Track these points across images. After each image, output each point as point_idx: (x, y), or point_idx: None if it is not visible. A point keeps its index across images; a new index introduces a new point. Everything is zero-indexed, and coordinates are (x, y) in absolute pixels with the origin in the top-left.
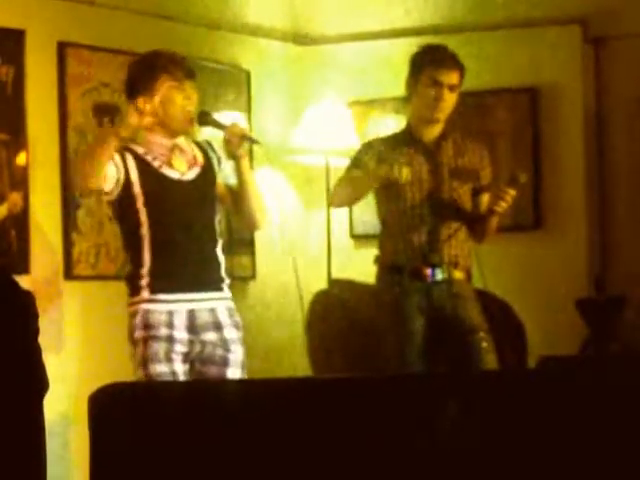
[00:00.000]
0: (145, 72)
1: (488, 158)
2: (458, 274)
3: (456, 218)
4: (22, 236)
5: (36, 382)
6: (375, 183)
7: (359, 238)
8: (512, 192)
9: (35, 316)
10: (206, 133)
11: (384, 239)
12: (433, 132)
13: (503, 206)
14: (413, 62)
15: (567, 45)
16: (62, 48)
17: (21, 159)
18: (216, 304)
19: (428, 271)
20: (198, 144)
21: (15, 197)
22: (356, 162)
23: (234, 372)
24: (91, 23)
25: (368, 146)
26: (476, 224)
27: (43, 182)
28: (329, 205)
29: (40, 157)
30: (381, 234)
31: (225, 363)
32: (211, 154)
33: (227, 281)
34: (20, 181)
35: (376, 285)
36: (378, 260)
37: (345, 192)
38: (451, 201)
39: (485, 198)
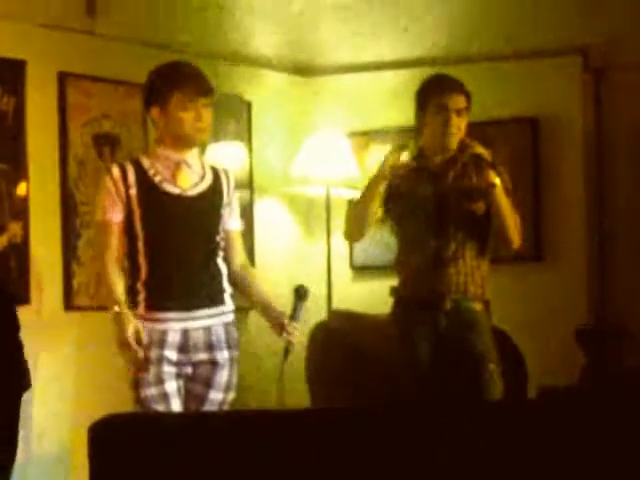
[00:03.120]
0: (159, 84)
1: (499, 172)
2: (468, 303)
3: (458, 228)
4: (22, 266)
5: (18, 376)
6: (379, 180)
7: (359, 269)
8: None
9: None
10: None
11: (396, 270)
12: (442, 158)
13: (493, 177)
14: (419, 93)
15: (567, 75)
16: (63, 78)
17: (21, 189)
18: (212, 322)
19: (435, 300)
20: (214, 168)
21: (15, 227)
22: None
23: (216, 394)
24: (91, 53)
25: (388, 153)
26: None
27: (43, 212)
28: (345, 239)
29: (40, 187)
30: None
31: (209, 384)
32: (223, 179)
33: (229, 291)
34: (20, 211)
35: (387, 316)
36: (391, 291)
37: (353, 216)
38: (453, 218)
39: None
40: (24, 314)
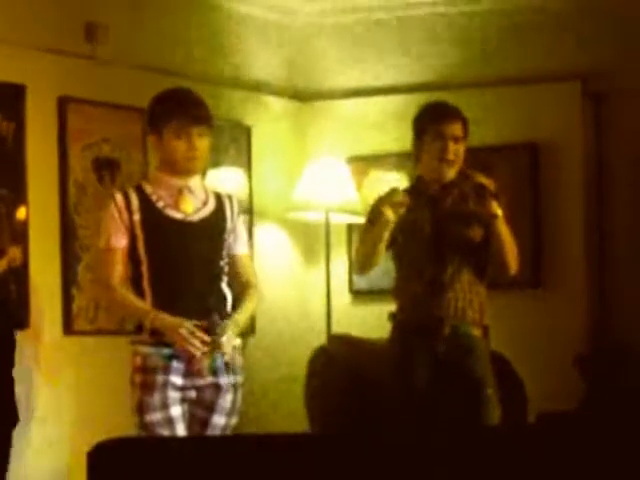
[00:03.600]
0: (156, 113)
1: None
2: (466, 328)
3: (455, 252)
4: (22, 290)
5: (10, 414)
6: (379, 231)
7: (358, 294)
8: (492, 200)
9: (13, 348)
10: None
11: (394, 295)
12: (440, 184)
13: (496, 207)
14: (416, 121)
15: (567, 101)
16: (62, 103)
17: (21, 213)
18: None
19: (433, 326)
20: (217, 193)
21: (15, 251)
22: (370, 216)
23: (219, 419)
24: (92, 78)
25: (379, 200)
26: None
27: (43, 237)
28: (355, 274)
29: (40, 211)
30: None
31: (212, 409)
32: (226, 204)
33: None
34: (20, 235)
35: (386, 341)
36: (389, 317)
37: (360, 251)
38: (450, 243)
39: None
40: (24, 338)
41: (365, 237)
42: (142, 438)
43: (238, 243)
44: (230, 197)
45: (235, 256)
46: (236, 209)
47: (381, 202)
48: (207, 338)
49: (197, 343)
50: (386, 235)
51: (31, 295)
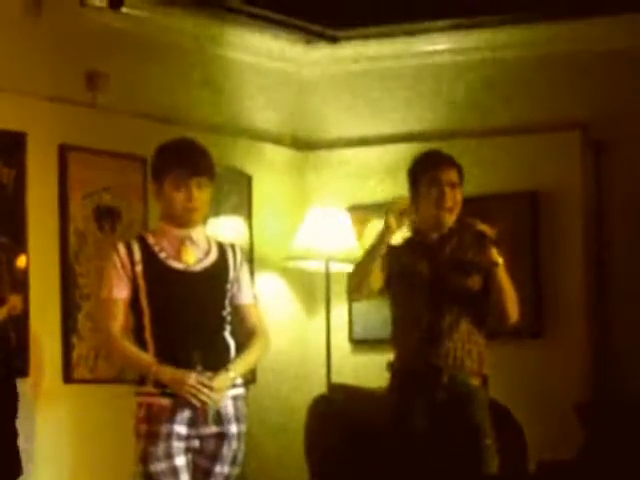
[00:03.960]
0: (157, 163)
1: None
2: (465, 377)
3: (453, 301)
4: (22, 339)
5: (14, 466)
6: (378, 247)
7: (358, 343)
8: (492, 248)
9: (17, 399)
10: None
11: (392, 345)
12: (439, 232)
13: (496, 256)
14: (411, 171)
15: (567, 150)
16: (63, 151)
17: (21, 262)
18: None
19: (431, 374)
20: (220, 243)
21: (15, 300)
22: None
23: (222, 468)
24: (92, 126)
25: (386, 250)
26: (482, 304)
27: (43, 285)
28: (348, 298)
29: (40, 260)
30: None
31: (215, 458)
32: (229, 254)
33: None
34: (20, 284)
35: (384, 389)
36: (387, 366)
37: (355, 273)
38: (449, 292)
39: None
40: (23, 386)
41: (363, 254)
42: None
43: (243, 292)
44: (233, 246)
45: (240, 306)
46: (239, 258)
47: (386, 210)
48: (212, 387)
49: (205, 392)
50: (384, 248)
51: (31, 343)
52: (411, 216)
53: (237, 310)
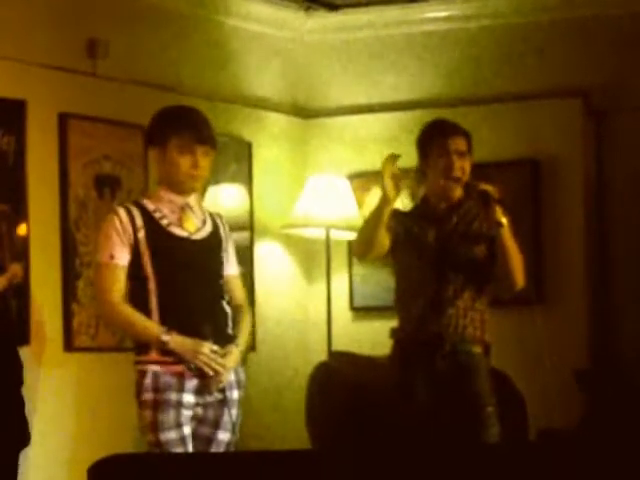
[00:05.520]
0: (159, 127)
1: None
2: (466, 345)
3: (459, 271)
4: (22, 307)
5: (22, 433)
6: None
7: (359, 310)
8: (496, 207)
9: (21, 367)
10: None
11: (396, 311)
12: (447, 202)
13: (500, 215)
14: (420, 139)
15: (568, 118)
16: (63, 119)
17: (22, 230)
18: None
19: (434, 343)
20: (210, 213)
21: (16, 268)
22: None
23: (224, 435)
24: (92, 94)
25: (392, 214)
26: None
27: (44, 253)
28: (354, 257)
29: (41, 228)
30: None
31: (217, 425)
32: (220, 224)
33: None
34: (21, 252)
35: (387, 357)
36: (391, 333)
37: (360, 233)
38: (455, 262)
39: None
40: (24, 355)
41: (368, 218)
42: (142, 455)
43: (230, 263)
44: (221, 217)
45: (227, 276)
46: (227, 229)
47: (382, 171)
48: (222, 361)
49: (219, 361)
50: (386, 215)
51: (32, 312)
52: (407, 180)
53: (224, 280)
